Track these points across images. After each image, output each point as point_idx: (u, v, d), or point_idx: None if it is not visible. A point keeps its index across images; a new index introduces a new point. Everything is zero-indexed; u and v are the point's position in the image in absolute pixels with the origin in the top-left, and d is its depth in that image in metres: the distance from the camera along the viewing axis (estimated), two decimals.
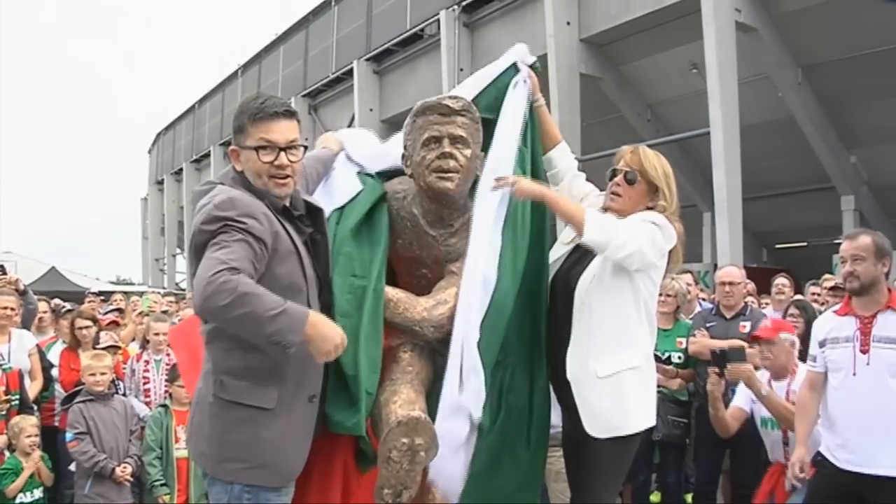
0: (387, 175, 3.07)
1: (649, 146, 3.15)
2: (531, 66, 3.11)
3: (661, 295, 3.44)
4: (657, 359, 3.83)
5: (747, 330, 5.08)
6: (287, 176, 2.44)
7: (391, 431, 2.46)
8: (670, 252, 2.91)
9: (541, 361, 2.97)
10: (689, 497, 5.57)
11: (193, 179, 29.70)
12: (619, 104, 14.91)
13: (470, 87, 3.10)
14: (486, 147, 2.92)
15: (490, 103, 3.02)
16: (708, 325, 5.33)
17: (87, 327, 5.88)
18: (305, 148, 2.55)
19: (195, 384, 2.59)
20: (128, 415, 5.09)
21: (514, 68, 3.07)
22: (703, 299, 6.83)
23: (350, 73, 19.43)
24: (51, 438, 5.37)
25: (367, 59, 19.03)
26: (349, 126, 19.38)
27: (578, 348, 2.84)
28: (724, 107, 11.42)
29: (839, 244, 3.66)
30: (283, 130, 2.42)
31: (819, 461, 3.61)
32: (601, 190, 3.11)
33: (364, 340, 2.65)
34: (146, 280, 34.60)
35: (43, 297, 7.22)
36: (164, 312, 7.14)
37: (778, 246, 17.52)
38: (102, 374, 5.01)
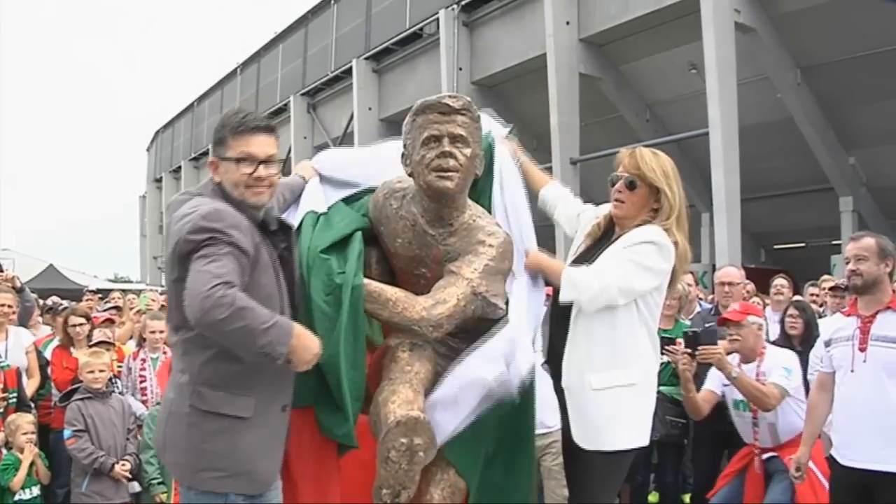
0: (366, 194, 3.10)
1: (648, 146, 3.14)
2: (507, 134, 3.21)
3: None
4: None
5: None
6: (264, 187, 2.53)
7: (390, 431, 2.45)
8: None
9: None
10: (686, 497, 5.57)
11: (192, 177, 29.65)
12: (618, 104, 14.90)
13: None
14: (477, 198, 2.97)
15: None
16: (707, 325, 5.33)
17: (80, 325, 5.85)
18: (283, 162, 2.60)
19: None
20: (125, 413, 5.07)
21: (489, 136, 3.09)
22: (702, 300, 6.83)
23: (349, 71, 19.40)
24: (46, 437, 5.35)
25: (367, 58, 19.01)
26: (348, 125, 19.41)
27: (576, 357, 2.83)
28: (722, 107, 11.41)
29: (838, 245, 3.77)
30: (262, 144, 2.52)
31: (830, 461, 3.71)
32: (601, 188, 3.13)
33: (344, 340, 2.66)
34: (144, 278, 34.57)
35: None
36: (161, 310, 7.12)
37: (776, 247, 17.53)
38: (101, 371, 5.00)
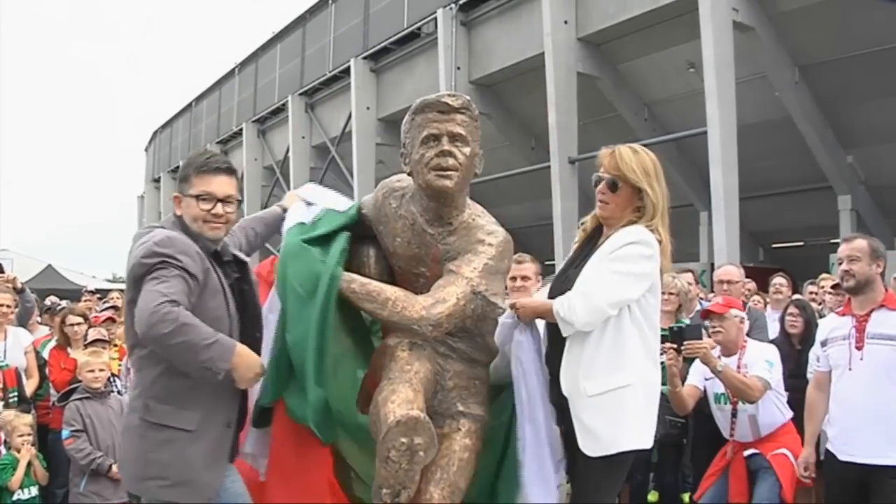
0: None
1: (646, 145, 3.11)
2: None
3: (663, 294, 3.40)
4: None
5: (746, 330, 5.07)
6: (221, 223, 2.74)
7: (390, 431, 2.45)
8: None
9: None
10: (686, 497, 5.56)
11: None
12: (617, 103, 14.89)
13: None
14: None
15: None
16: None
17: (77, 324, 5.84)
18: (240, 202, 2.86)
19: None
20: (124, 413, 5.05)
21: None
22: (703, 299, 6.82)
23: (347, 71, 19.37)
24: (44, 437, 5.34)
25: (365, 58, 18.98)
26: (346, 125, 19.40)
27: (571, 364, 2.81)
28: (721, 106, 11.39)
29: (836, 244, 3.82)
30: (222, 185, 2.75)
31: (826, 457, 3.79)
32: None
33: (316, 324, 2.68)
34: None
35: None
36: None
37: (775, 245, 17.54)
38: (101, 370, 4.99)
